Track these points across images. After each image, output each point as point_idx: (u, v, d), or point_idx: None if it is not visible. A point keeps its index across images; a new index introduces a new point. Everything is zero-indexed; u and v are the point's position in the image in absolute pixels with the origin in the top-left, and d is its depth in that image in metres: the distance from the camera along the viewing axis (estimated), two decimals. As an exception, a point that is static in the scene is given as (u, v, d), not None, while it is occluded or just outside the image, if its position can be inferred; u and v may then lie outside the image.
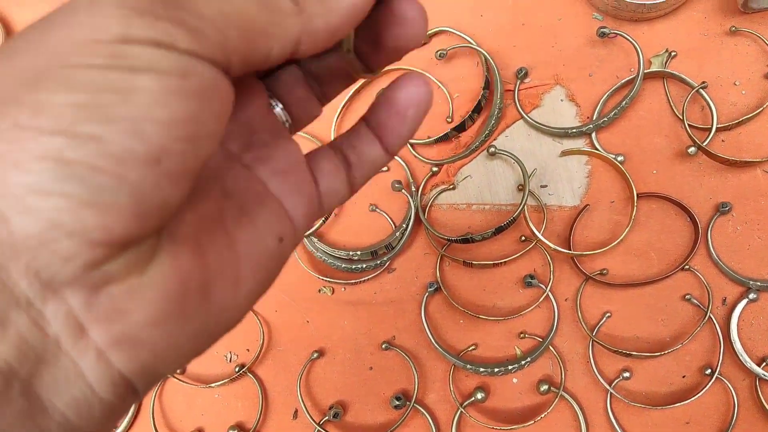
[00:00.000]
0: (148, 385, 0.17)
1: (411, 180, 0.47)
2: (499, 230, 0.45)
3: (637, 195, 0.44)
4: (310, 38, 0.17)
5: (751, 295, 0.42)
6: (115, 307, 0.15)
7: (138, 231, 0.15)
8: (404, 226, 0.46)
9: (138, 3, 0.14)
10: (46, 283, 0.14)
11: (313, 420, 0.45)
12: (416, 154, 0.47)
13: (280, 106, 0.22)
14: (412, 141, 0.47)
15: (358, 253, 0.46)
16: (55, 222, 0.14)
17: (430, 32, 0.48)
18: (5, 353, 0.14)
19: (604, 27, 0.45)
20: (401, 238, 0.46)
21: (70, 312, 0.15)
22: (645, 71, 0.45)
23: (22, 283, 0.14)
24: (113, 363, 0.16)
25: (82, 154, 0.14)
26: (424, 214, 0.47)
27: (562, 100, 0.47)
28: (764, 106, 0.44)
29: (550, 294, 0.44)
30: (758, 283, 0.43)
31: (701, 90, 0.45)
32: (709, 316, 0.43)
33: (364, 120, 0.23)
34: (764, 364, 0.42)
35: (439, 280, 0.46)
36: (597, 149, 0.46)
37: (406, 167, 0.47)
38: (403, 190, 0.46)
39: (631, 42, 0.45)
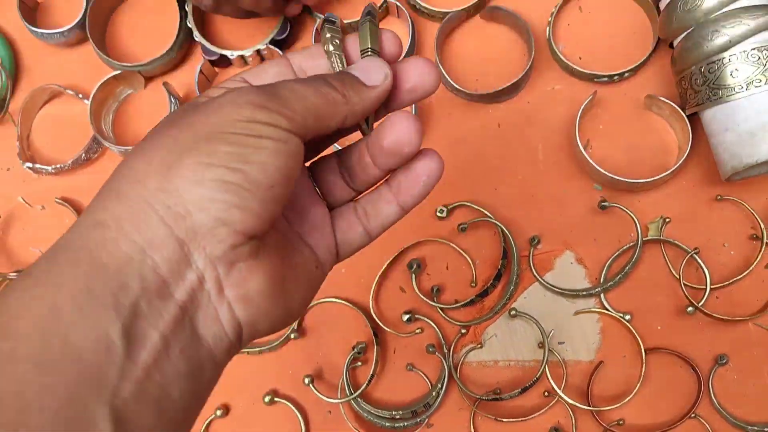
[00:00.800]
0: (249, 338, 0.25)
1: (443, 341, 0.53)
2: (525, 389, 0.50)
3: (645, 350, 0.50)
4: (352, 116, 0.27)
5: (751, 441, 0.48)
6: (241, 276, 0.24)
7: (257, 228, 0.24)
8: (439, 385, 0.52)
9: (259, 101, 0.24)
10: (208, 256, 0.23)
11: None
12: (446, 317, 0.53)
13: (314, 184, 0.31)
14: (442, 306, 0.53)
15: (400, 412, 0.52)
16: (218, 217, 0.23)
17: (451, 206, 0.54)
18: (184, 296, 0.23)
19: (604, 201, 0.51)
20: (437, 397, 0.52)
21: (218, 276, 0.23)
22: (644, 239, 0.51)
23: (195, 254, 0.23)
24: (236, 313, 0.24)
25: (235, 179, 0.23)
26: (456, 373, 0.52)
27: (571, 263, 0.53)
28: (752, 266, 0.50)
29: (573, 445, 0.50)
30: (755, 428, 0.48)
31: (694, 255, 0.51)
32: (716, 462, 0.48)
33: (386, 182, 0.31)
34: (768, 502, 0.48)
35: (473, 434, 0.51)
36: (606, 309, 0.52)
37: (438, 330, 0.53)
38: (436, 353, 0.52)
39: (628, 214, 0.51)
